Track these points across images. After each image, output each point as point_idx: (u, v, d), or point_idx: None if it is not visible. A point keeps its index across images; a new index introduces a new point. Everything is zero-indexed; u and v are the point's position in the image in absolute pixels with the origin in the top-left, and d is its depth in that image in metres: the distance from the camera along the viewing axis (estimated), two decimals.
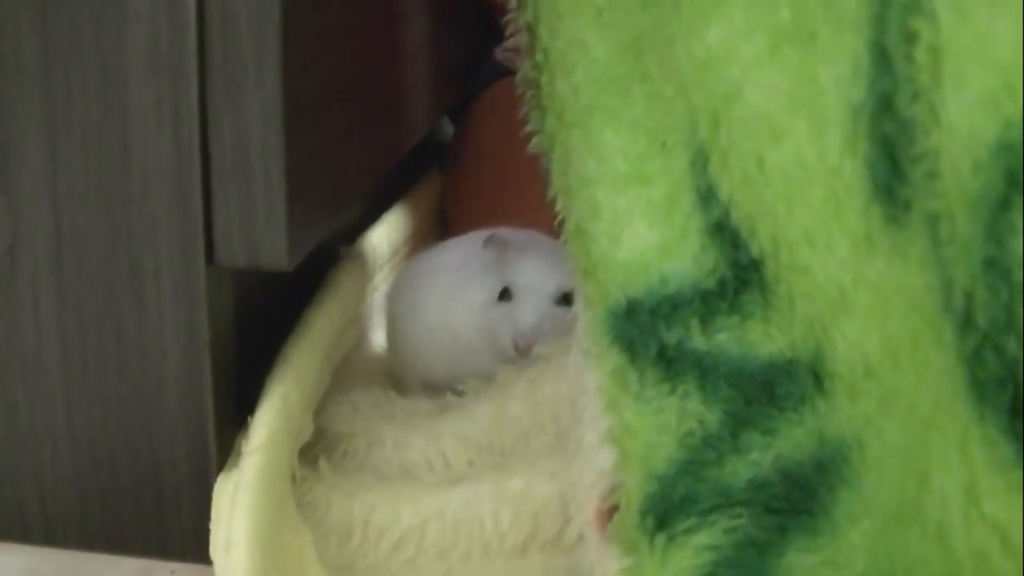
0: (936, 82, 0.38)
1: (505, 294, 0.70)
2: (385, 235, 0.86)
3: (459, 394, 0.69)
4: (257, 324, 0.63)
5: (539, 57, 0.61)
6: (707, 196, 0.52)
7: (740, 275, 0.51)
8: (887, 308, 0.44)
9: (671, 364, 0.52)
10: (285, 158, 0.53)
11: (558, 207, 0.62)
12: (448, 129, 1.11)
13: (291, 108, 0.54)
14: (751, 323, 0.51)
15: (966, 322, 0.37)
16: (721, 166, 0.50)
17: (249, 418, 0.59)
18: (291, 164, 0.54)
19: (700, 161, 0.52)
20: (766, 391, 0.49)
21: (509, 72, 0.99)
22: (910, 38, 0.39)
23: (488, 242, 0.72)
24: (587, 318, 0.58)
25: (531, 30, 0.62)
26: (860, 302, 0.45)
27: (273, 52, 0.52)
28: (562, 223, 0.62)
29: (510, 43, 0.94)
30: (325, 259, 0.76)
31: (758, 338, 0.50)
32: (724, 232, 0.51)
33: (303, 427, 0.63)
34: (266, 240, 0.55)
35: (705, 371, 0.51)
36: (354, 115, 0.68)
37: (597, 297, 0.56)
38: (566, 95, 0.59)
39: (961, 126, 0.36)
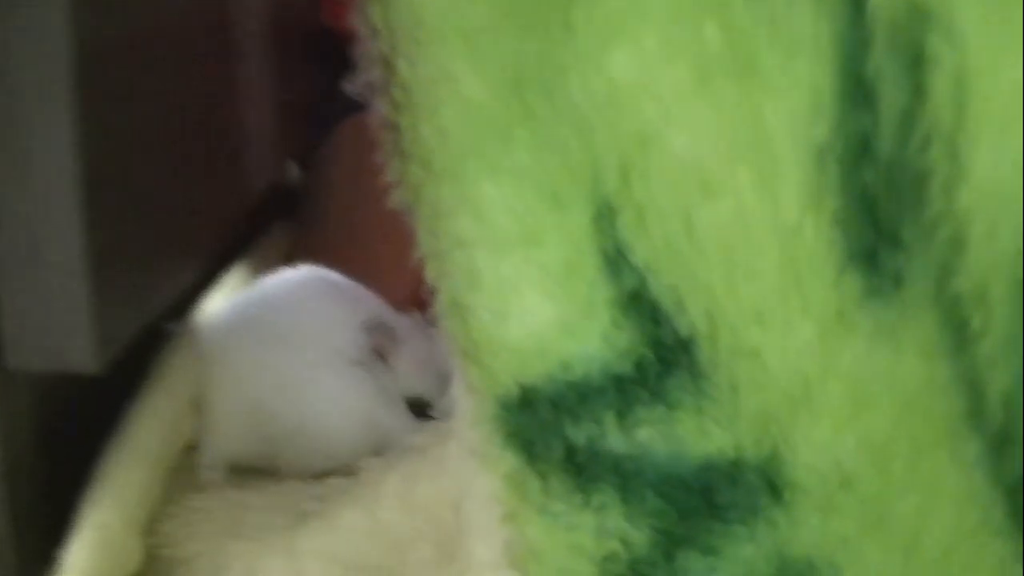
0: (960, 121, 0.28)
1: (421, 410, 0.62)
2: (224, 302, 0.74)
3: (319, 499, 0.58)
4: (68, 433, 0.52)
5: (398, 94, 0.50)
6: (616, 260, 0.41)
7: (664, 356, 0.41)
8: (869, 405, 0.34)
9: (582, 469, 0.41)
10: (85, 238, 0.42)
11: (428, 273, 0.51)
12: (295, 174, 1.00)
13: (90, 178, 0.42)
14: (681, 415, 0.41)
15: (1005, 439, 0.27)
16: (635, 225, 0.40)
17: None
18: (93, 244, 0.43)
19: (606, 217, 0.42)
20: (704, 500, 0.40)
21: (362, 107, 0.89)
22: (918, 61, 0.30)
23: (371, 330, 0.62)
24: (470, 407, 0.48)
25: (387, 62, 0.51)
26: (831, 396, 0.35)
27: (65, 115, 0.41)
28: (433, 292, 0.51)
29: (363, 76, 0.83)
30: (151, 339, 0.64)
31: (691, 434, 0.40)
32: (641, 304, 0.41)
33: (129, 557, 0.51)
34: (67, 338, 0.44)
35: (626, 477, 0.41)
36: (175, 175, 0.57)
37: (482, 384, 0.46)
38: (433, 140, 0.49)
39: (1002, 179, 0.26)
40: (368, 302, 0.67)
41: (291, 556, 0.54)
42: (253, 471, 0.68)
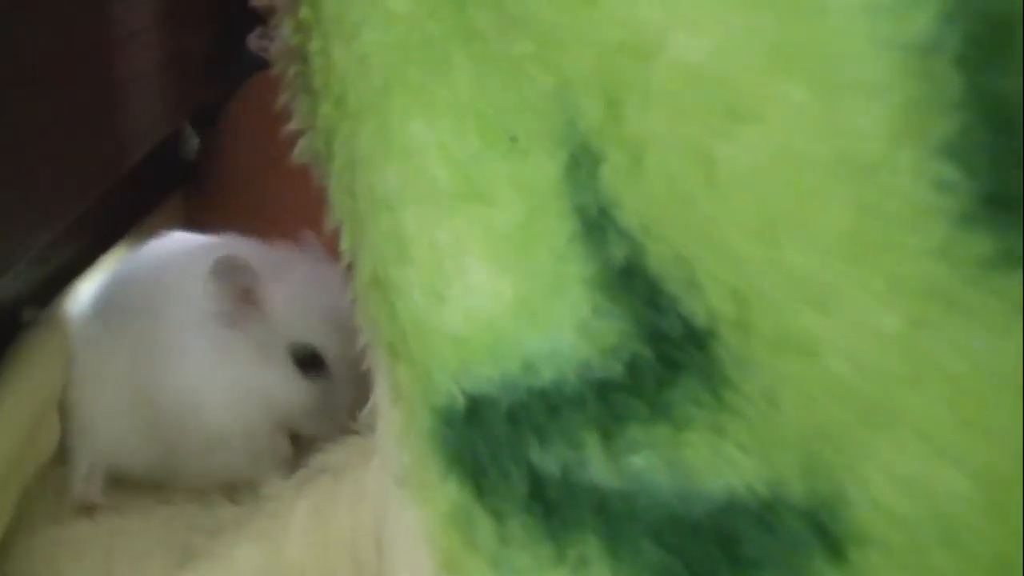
0: None
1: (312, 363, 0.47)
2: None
3: (210, 532, 0.45)
4: None
5: (305, 13, 0.38)
6: (599, 223, 0.30)
7: (668, 355, 0.29)
8: (987, 423, 0.23)
9: (554, 509, 0.30)
10: None
11: (342, 244, 0.39)
12: (193, 143, 0.87)
13: None
14: (691, 436, 0.29)
15: None
16: (627, 172, 0.29)
17: None
18: None
19: (583, 165, 0.30)
20: (724, 553, 0.28)
21: (267, 65, 0.77)
22: None
23: (221, 272, 0.49)
24: (395, 418, 0.36)
25: None
26: (927, 410, 0.24)
27: None
28: (350, 267, 0.40)
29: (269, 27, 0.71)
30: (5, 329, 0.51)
31: (705, 462, 0.29)
32: (634, 283, 0.30)
33: None
34: None
35: (615, 521, 0.29)
36: (21, 133, 0.44)
37: (413, 388, 0.34)
38: (348, 70, 0.37)
39: None
40: (230, 247, 0.54)
41: None
42: (135, 491, 0.56)
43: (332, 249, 0.55)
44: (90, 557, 0.47)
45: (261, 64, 0.76)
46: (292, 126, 0.41)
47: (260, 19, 0.79)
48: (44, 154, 0.49)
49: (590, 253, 0.31)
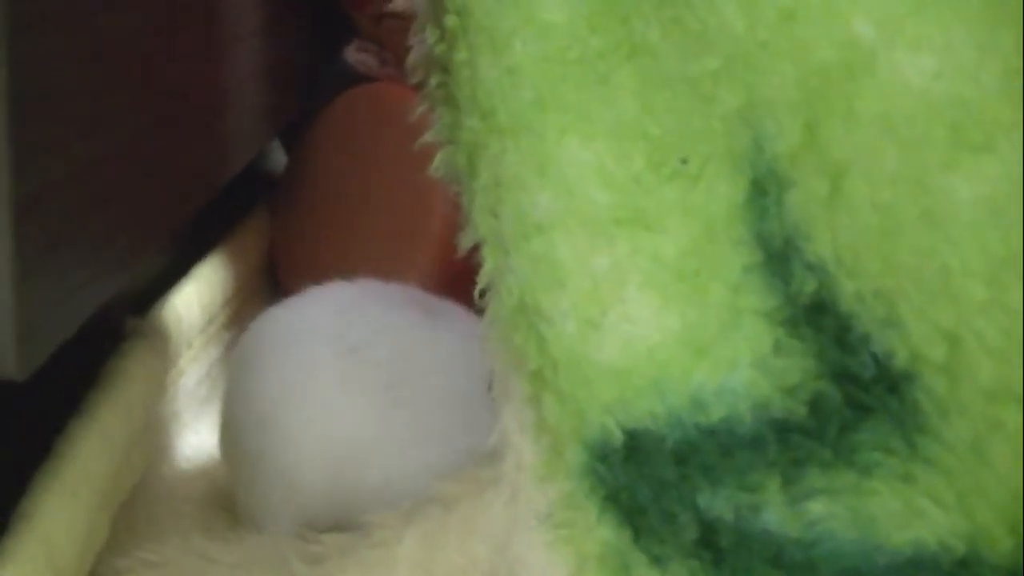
0: None
1: None
2: (195, 297, 0.60)
3: (314, 560, 0.43)
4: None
5: (452, 22, 0.36)
6: (784, 255, 0.28)
7: (856, 396, 0.27)
8: None
9: (725, 556, 0.28)
10: (11, 199, 0.28)
11: (484, 266, 0.37)
12: (279, 158, 0.85)
13: (18, 156, 0.29)
14: (878, 485, 0.27)
15: None
16: (825, 202, 0.26)
17: None
18: (19, 209, 0.29)
19: (771, 192, 0.28)
20: None
21: (362, 79, 0.75)
22: None
23: None
24: (538, 452, 0.34)
25: None
26: None
27: None
28: (486, 292, 0.38)
29: (365, 41, 0.70)
30: (104, 335, 0.49)
31: (892, 514, 0.27)
32: (821, 318, 0.27)
33: None
34: None
35: (791, 570, 0.27)
36: (127, 152, 0.43)
37: (563, 421, 0.32)
38: (499, 84, 0.35)
39: None
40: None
41: None
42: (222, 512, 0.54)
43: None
44: None
45: (353, 80, 0.75)
46: (428, 138, 0.39)
47: (354, 33, 0.78)
48: (153, 158, 0.48)
49: (771, 286, 0.29)
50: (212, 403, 0.63)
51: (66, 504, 0.40)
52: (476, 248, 0.38)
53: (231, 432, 0.50)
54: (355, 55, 0.76)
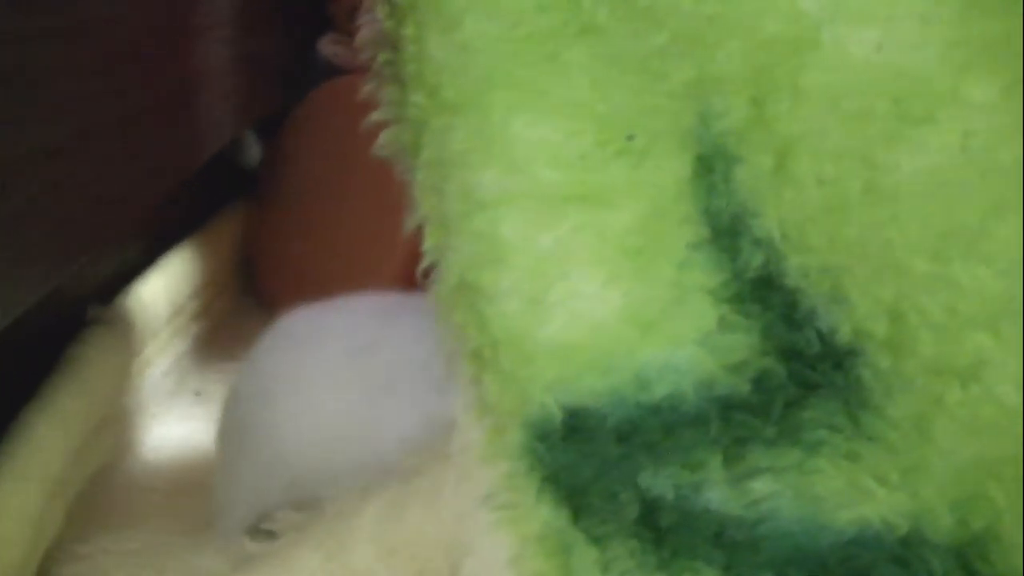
0: None
1: None
2: (162, 287, 0.59)
3: (264, 535, 0.42)
4: None
5: None
6: (731, 231, 0.27)
7: (801, 374, 0.26)
8: None
9: (666, 535, 0.27)
10: None
11: (427, 243, 0.36)
12: (256, 152, 0.85)
13: None
14: (822, 463, 0.26)
15: None
16: (770, 178, 0.26)
17: None
18: None
19: (717, 168, 0.27)
20: None
21: (338, 72, 0.74)
22: None
23: None
24: (480, 432, 0.33)
25: None
26: None
27: None
28: (431, 270, 0.37)
29: (340, 34, 0.69)
30: (66, 325, 0.48)
31: (836, 493, 0.26)
32: (767, 294, 0.27)
33: None
34: None
35: (733, 550, 0.26)
36: (92, 126, 0.42)
37: (504, 400, 0.31)
38: (447, 61, 0.34)
39: None
40: None
41: None
42: (191, 499, 0.53)
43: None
44: (138, 566, 0.45)
45: (328, 73, 0.74)
46: (376, 116, 0.38)
47: (331, 26, 0.77)
48: (116, 145, 0.47)
49: (717, 262, 0.28)
50: (179, 395, 0.62)
51: (17, 489, 0.39)
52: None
53: (229, 415, 0.49)
54: (329, 47, 0.75)
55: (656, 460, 0.28)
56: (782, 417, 0.27)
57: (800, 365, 0.26)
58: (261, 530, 0.43)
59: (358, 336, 0.48)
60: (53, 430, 0.42)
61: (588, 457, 0.29)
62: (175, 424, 0.59)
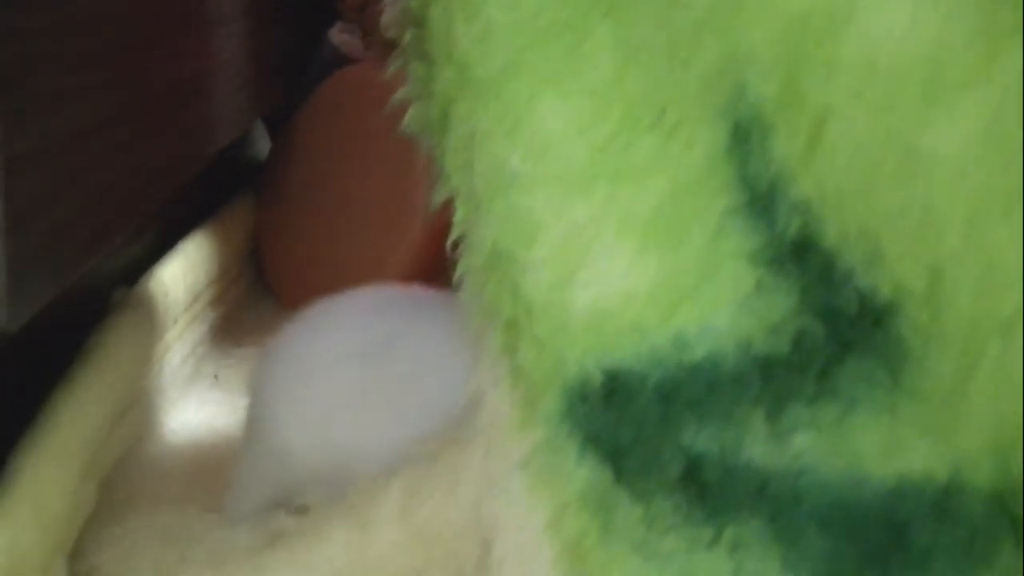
0: None
1: None
2: (180, 273, 0.60)
3: (299, 511, 0.43)
4: None
5: None
6: (768, 196, 0.28)
7: (840, 331, 0.27)
8: None
9: (710, 490, 0.28)
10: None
11: (455, 217, 0.37)
12: (264, 144, 0.85)
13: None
14: (862, 418, 0.27)
15: None
16: (807, 146, 0.26)
17: None
18: (8, 169, 0.29)
19: (750, 139, 0.28)
20: (894, 538, 0.26)
21: (347, 62, 0.75)
22: None
23: None
24: (514, 402, 0.34)
25: None
26: None
27: None
28: (459, 244, 0.37)
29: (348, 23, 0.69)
30: (92, 308, 0.49)
31: (875, 443, 0.27)
32: (805, 256, 0.27)
33: None
34: None
35: (776, 502, 0.27)
36: (113, 125, 0.43)
37: (537, 367, 0.32)
38: (471, 47, 0.35)
39: None
40: None
41: None
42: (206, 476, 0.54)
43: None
44: (170, 545, 0.45)
45: (337, 63, 0.75)
46: (401, 93, 0.38)
47: (339, 18, 0.77)
48: (138, 133, 0.47)
49: (754, 227, 0.28)
50: (197, 381, 0.62)
51: (52, 475, 0.40)
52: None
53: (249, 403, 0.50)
54: (339, 36, 0.75)
55: (698, 418, 0.28)
56: (821, 374, 0.27)
57: (838, 324, 0.27)
58: (293, 506, 0.44)
59: (373, 330, 0.48)
60: (87, 411, 0.43)
61: (629, 417, 0.29)
62: (195, 408, 0.60)
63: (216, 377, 0.64)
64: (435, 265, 0.62)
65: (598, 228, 0.31)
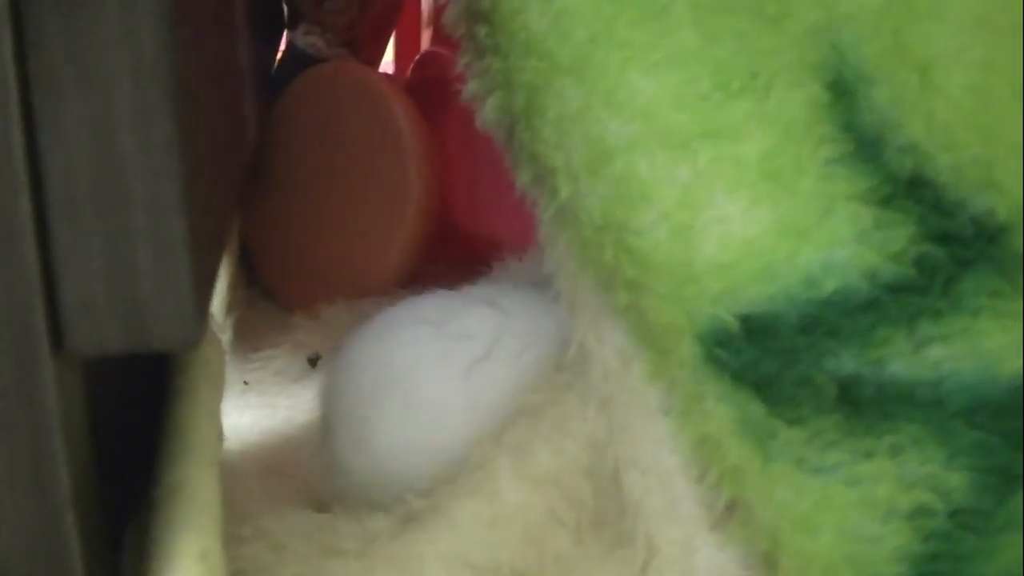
0: None
1: None
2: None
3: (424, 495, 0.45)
4: (119, 429, 0.40)
5: None
6: (877, 142, 0.31)
7: (958, 252, 0.30)
8: None
9: (865, 407, 0.31)
10: (181, 176, 0.30)
11: (561, 193, 0.39)
12: None
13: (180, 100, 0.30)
14: (988, 324, 0.31)
15: None
16: (916, 94, 0.30)
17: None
18: (186, 183, 0.31)
19: (860, 90, 0.31)
20: None
21: (312, 62, 0.76)
22: None
23: None
24: (643, 355, 0.37)
25: None
26: None
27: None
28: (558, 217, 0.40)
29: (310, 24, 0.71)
30: None
31: (1004, 345, 0.30)
32: (922, 191, 0.31)
33: None
34: (161, 309, 0.32)
35: (928, 410, 0.31)
36: (217, 135, 0.44)
37: (664, 320, 0.35)
38: (551, 30, 0.37)
39: None
40: None
41: (412, 565, 0.42)
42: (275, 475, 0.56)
43: None
44: (313, 549, 0.46)
45: (302, 64, 0.76)
46: (472, 88, 0.41)
47: (297, 19, 0.79)
48: (232, 134, 0.49)
49: (862, 171, 0.32)
50: (230, 387, 0.64)
51: (205, 481, 0.41)
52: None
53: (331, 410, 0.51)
54: (304, 38, 0.77)
55: (840, 344, 0.32)
56: (945, 291, 0.31)
57: (956, 246, 0.31)
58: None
59: (448, 322, 0.49)
60: (207, 418, 0.45)
61: (773, 352, 0.33)
62: (237, 414, 0.61)
63: (246, 383, 0.66)
64: (429, 247, 0.65)
65: (707, 185, 0.34)
